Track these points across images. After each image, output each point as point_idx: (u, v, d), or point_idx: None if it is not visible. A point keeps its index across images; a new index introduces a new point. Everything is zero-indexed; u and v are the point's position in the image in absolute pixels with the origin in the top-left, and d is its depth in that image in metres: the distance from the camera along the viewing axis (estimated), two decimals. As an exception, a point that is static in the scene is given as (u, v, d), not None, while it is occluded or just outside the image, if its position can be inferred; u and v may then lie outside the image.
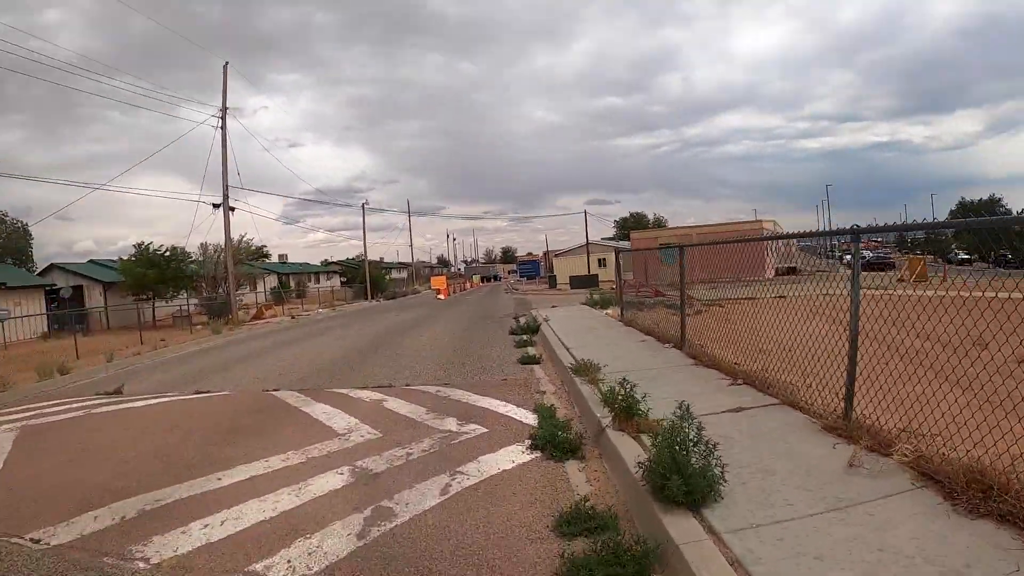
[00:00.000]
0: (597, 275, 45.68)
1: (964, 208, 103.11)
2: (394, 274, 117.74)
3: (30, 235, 70.37)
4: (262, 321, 33.53)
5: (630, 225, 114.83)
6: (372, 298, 58.16)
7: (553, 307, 23.75)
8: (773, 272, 41.38)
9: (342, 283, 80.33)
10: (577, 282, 43.93)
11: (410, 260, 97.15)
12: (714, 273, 41.22)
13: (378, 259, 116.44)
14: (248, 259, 41.37)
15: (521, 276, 50.65)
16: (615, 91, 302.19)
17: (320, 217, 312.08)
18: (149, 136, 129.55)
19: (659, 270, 44.63)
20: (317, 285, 78.63)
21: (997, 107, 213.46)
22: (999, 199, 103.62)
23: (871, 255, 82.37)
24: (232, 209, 34.24)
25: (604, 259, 70.31)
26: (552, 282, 47.65)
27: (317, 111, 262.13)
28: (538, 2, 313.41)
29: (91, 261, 50.66)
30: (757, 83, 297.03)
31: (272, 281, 73.51)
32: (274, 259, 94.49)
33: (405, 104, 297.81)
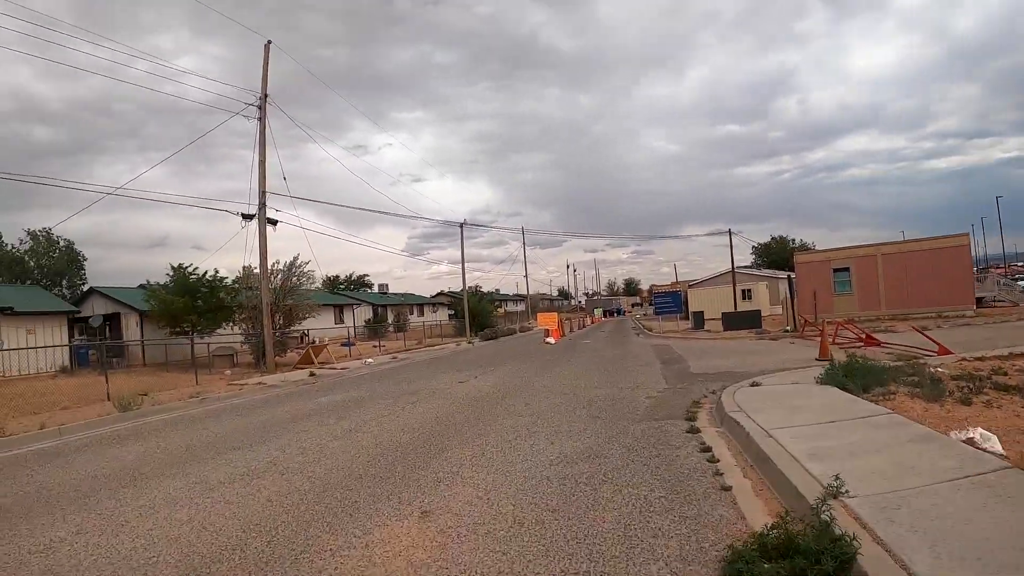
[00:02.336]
0: (759, 311, 37.57)
1: None
2: (510, 307, 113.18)
3: (81, 257, 68.17)
4: (309, 368, 27.59)
5: (773, 251, 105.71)
6: (472, 335, 51.60)
7: (755, 384, 13.66)
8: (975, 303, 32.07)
9: (450, 316, 75.08)
10: (733, 321, 36.34)
11: (528, 291, 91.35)
12: (907, 302, 32.49)
13: (493, 291, 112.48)
14: (309, 285, 34.89)
15: (657, 312, 41.33)
16: (733, 118, 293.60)
17: (444, 250, 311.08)
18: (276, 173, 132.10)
19: (831, 300, 36.90)
20: (420, 319, 73.93)
21: None
22: None
23: None
24: (273, 222, 28.51)
25: (749, 290, 62.53)
26: (697, 321, 39.69)
27: (441, 146, 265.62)
28: (650, 31, 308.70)
29: (140, 286, 46.96)
30: (878, 103, 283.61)
31: (365, 313, 69.33)
32: (376, 288, 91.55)
33: (525, 138, 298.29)
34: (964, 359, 16.61)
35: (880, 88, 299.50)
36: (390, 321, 69.33)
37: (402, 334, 51.83)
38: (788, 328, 31.94)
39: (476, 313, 60.74)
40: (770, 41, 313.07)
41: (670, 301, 40.08)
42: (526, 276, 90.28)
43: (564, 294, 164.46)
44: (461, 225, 58.86)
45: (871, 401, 10.45)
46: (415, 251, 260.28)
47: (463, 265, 58.11)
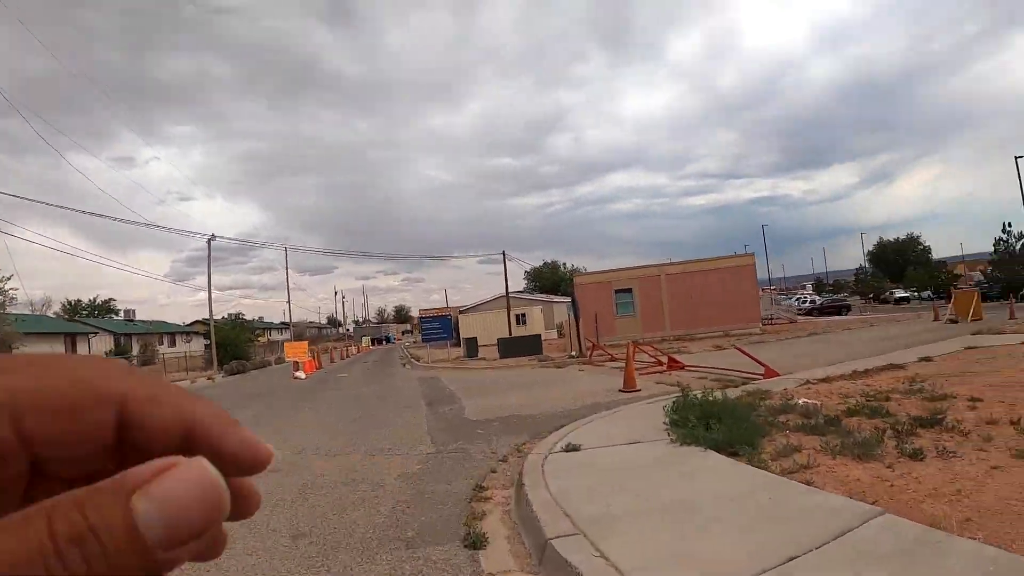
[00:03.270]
0: (539, 335, 33.53)
1: (883, 247, 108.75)
2: (275, 335, 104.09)
3: None
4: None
5: (545, 276, 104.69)
6: (218, 369, 44.01)
7: (571, 449, 8.30)
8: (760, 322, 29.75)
9: (205, 346, 66.14)
10: (511, 347, 31.99)
11: (298, 320, 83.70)
12: (693, 322, 29.69)
13: (256, 318, 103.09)
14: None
15: (425, 339, 35.58)
16: (508, 151, 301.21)
17: (213, 276, 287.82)
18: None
19: (614, 323, 33.67)
20: (172, 349, 64.93)
21: (871, 160, 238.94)
22: (917, 236, 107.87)
23: (823, 300, 79.58)
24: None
25: (524, 315, 59.32)
26: (470, 348, 34.95)
27: (211, 164, 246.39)
28: (433, 62, 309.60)
29: None
30: (645, 143, 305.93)
31: (106, 343, 59.65)
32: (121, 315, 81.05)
33: (300, 160, 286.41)
34: (808, 382, 13.45)
35: (648, 130, 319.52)
36: (135, 353, 59.79)
37: (148, 367, 43.23)
38: (573, 353, 28.08)
39: (230, 343, 52.58)
40: (549, 80, 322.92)
41: (438, 327, 34.93)
42: (288, 302, 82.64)
43: (333, 322, 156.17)
44: (209, 240, 50.75)
45: (790, 475, 5.95)
46: (179, 276, 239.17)
47: (209, 286, 49.96)
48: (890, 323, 37.55)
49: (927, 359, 16.08)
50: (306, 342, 38.19)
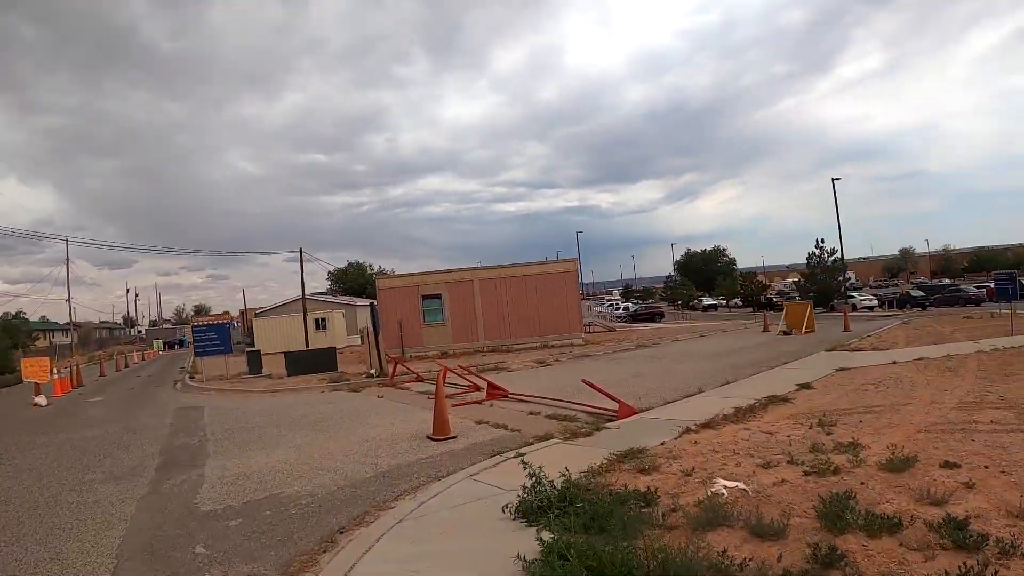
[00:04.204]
0: (334, 349, 28.92)
1: (690, 257, 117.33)
2: (60, 338, 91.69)
3: None
4: None
5: (350, 277, 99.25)
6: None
7: None
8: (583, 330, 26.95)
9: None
10: (300, 362, 27.39)
11: (86, 320, 73.68)
12: (510, 332, 26.44)
13: (40, 318, 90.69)
14: None
15: (198, 353, 29.21)
16: (320, 147, 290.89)
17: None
18: None
19: (421, 332, 30.05)
20: None
21: (677, 179, 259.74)
22: (723, 248, 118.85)
23: (637, 306, 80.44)
24: None
25: (324, 319, 54.69)
26: (253, 363, 29.76)
27: (6, 139, 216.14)
28: (254, 47, 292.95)
29: None
30: (459, 149, 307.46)
31: None
32: None
33: (100, 140, 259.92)
34: (689, 430, 10.34)
35: (463, 137, 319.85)
36: None
37: None
38: (373, 372, 23.83)
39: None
40: (370, 79, 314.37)
41: (214, 337, 29.23)
42: (68, 300, 72.88)
43: (128, 321, 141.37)
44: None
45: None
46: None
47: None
48: (718, 333, 36.52)
49: (806, 386, 13.77)
50: (48, 358, 31.36)
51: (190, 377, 30.89)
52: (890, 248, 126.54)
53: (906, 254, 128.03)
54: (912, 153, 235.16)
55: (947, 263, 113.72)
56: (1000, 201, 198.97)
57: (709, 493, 6.29)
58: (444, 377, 17.57)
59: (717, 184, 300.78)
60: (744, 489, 6.44)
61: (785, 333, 31.38)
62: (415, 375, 21.85)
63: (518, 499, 6.45)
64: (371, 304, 28.40)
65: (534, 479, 6.48)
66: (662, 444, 9.25)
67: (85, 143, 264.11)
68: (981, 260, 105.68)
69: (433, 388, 14.62)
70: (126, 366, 53.93)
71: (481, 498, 7.21)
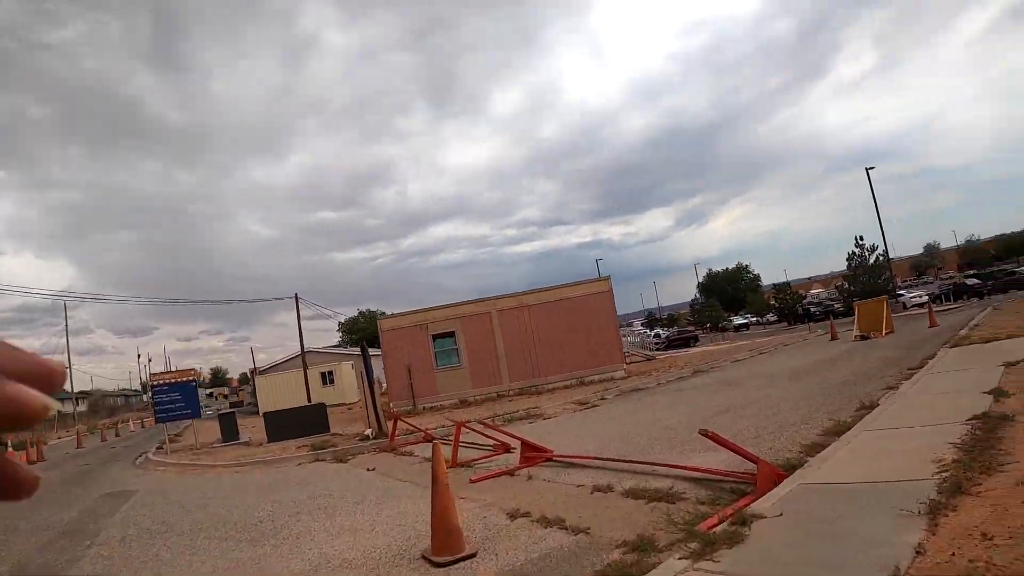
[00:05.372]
0: (323, 405, 23.43)
1: (713, 278, 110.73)
2: (68, 407, 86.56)
3: None
4: None
5: (361, 327, 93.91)
6: None
7: None
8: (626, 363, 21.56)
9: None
10: (283, 423, 22.09)
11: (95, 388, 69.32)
12: (539, 370, 21.22)
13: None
14: None
15: (160, 419, 23.39)
16: (329, 205, 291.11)
17: (23, 339, 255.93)
18: None
19: (434, 378, 25.21)
20: None
21: (686, 203, 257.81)
22: (746, 266, 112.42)
23: (669, 332, 77.58)
24: None
25: (331, 372, 49.65)
26: (228, 428, 24.31)
27: (20, 216, 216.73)
28: (257, 112, 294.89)
29: None
30: (468, 194, 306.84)
31: None
32: None
33: (116, 212, 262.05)
34: (936, 504, 4.84)
35: (470, 182, 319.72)
36: None
37: None
38: (369, 433, 18.36)
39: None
40: (373, 134, 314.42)
41: (179, 398, 23.78)
42: (68, 367, 67.68)
43: (145, 388, 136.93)
44: None
45: None
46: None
47: None
48: (778, 349, 31.00)
49: (1001, 393, 9.47)
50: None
51: (158, 448, 25.45)
52: (912, 248, 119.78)
53: (931, 249, 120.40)
54: (918, 150, 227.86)
55: (975, 255, 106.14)
56: (1019, 186, 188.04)
57: None
58: (458, 436, 12.22)
59: (727, 203, 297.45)
60: None
61: (862, 337, 26.18)
62: (423, 433, 16.43)
63: None
64: (361, 345, 22.75)
65: None
66: (918, 552, 4.03)
67: (101, 216, 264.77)
68: (1012, 246, 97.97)
69: (446, 452, 9.44)
70: (116, 435, 48.44)
71: None
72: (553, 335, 27.71)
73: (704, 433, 7.19)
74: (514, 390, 26.91)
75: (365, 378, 19.86)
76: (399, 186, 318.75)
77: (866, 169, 51.84)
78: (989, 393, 9.52)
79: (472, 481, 9.91)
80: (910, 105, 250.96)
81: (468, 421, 13.33)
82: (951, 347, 16.89)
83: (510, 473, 10.21)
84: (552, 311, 28.13)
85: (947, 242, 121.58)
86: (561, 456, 10.55)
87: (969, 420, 8.05)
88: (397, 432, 17.15)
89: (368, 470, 13.36)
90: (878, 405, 10.62)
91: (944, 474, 5.95)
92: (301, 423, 22.05)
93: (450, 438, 12.82)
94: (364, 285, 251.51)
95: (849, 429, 9.04)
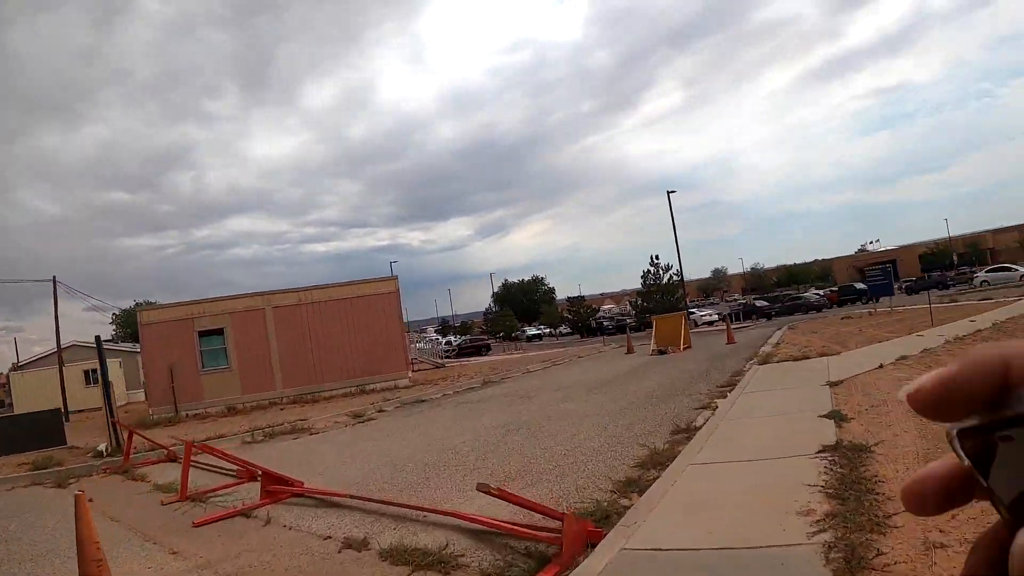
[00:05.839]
0: (58, 411, 20.12)
1: (508, 288, 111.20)
2: None
3: None
4: None
5: (135, 317, 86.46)
6: None
7: None
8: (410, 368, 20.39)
9: None
10: (9, 433, 18.71)
11: None
12: (316, 375, 19.31)
13: None
14: None
15: None
16: (123, 185, 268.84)
17: None
18: None
19: (199, 381, 22.73)
20: None
21: (488, 214, 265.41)
22: (542, 278, 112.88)
23: (461, 340, 76.37)
24: None
25: (97, 371, 44.36)
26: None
27: None
28: (56, 74, 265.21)
29: None
30: (268, 189, 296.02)
31: None
32: None
33: None
34: None
35: (273, 176, 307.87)
36: None
37: None
38: (105, 448, 15.63)
39: None
40: (178, 113, 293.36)
41: None
42: None
43: None
44: None
45: None
46: None
47: None
48: (573, 360, 31.08)
49: (841, 417, 8.01)
50: None
51: None
52: (701, 271, 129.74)
53: (719, 274, 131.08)
54: (712, 183, 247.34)
55: (758, 280, 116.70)
56: (797, 223, 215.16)
57: None
58: (188, 458, 10.11)
59: (529, 217, 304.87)
60: None
61: (660, 352, 26.46)
62: (165, 450, 14.05)
63: None
64: (96, 339, 19.35)
65: None
66: None
67: None
68: (792, 274, 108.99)
69: (197, 470, 7.51)
70: None
71: None
72: (334, 338, 25.81)
73: (485, 490, 5.67)
74: (288, 397, 24.70)
75: (103, 382, 17.05)
76: (197, 172, 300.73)
77: (667, 192, 53.43)
78: (828, 417, 8.90)
79: (195, 524, 7.99)
80: (710, 143, 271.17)
81: (207, 440, 11.28)
82: (760, 364, 17.00)
83: (245, 513, 8.34)
84: (334, 311, 26.24)
85: (734, 268, 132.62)
86: (313, 491, 8.82)
87: (821, 452, 7.14)
88: (134, 448, 14.63)
89: (87, 499, 10.93)
90: (697, 428, 9.85)
91: (824, 535, 4.79)
92: (33, 433, 18.66)
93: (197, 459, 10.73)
94: (152, 276, 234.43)
95: (671, 461, 7.95)
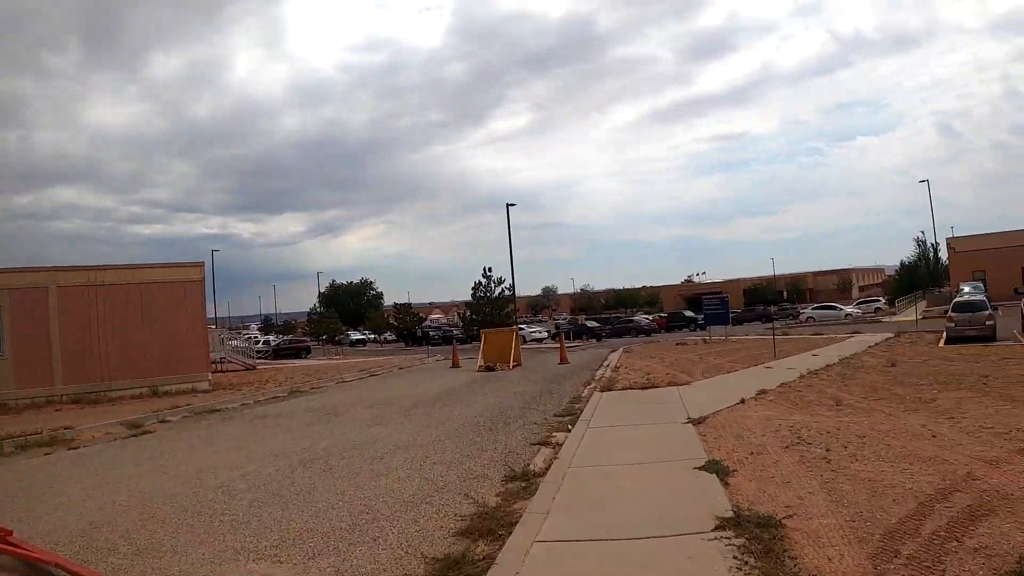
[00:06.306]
0: None
1: (335, 290, 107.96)
2: None
3: None
4: None
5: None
6: None
7: None
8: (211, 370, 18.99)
9: None
10: None
11: None
12: (104, 372, 20.86)
13: None
14: None
15: None
16: None
17: None
18: None
19: None
20: None
21: (322, 213, 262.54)
22: (371, 282, 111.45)
23: (280, 340, 75.72)
24: None
25: None
26: None
27: None
28: None
29: None
30: (99, 159, 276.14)
31: None
32: None
33: None
34: None
35: (106, 145, 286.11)
36: None
37: None
38: None
39: None
40: (12, 62, 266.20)
41: None
42: None
43: None
44: None
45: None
46: None
47: None
48: (392, 371, 30.19)
49: (721, 470, 6.95)
50: None
51: None
52: (531, 289, 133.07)
53: (549, 292, 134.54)
54: (551, 206, 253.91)
55: (588, 301, 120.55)
56: (629, 250, 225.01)
57: None
58: None
59: (363, 221, 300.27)
60: None
61: (488, 368, 25.93)
62: None
63: None
64: None
65: None
66: None
67: None
68: (620, 298, 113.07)
69: None
70: None
71: None
72: (128, 328, 23.21)
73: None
74: (69, 396, 21.75)
75: None
76: (25, 131, 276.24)
77: (507, 204, 53.72)
78: (705, 470, 7.64)
79: None
80: (554, 166, 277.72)
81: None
82: (602, 390, 16.22)
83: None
84: (131, 297, 23.58)
85: (564, 288, 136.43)
86: (18, 548, 7.05)
87: (719, 529, 5.60)
88: None
89: None
90: (538, 478, 8.16)
91: None
92: None
93: None
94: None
95: (508, 531, 6.15)
